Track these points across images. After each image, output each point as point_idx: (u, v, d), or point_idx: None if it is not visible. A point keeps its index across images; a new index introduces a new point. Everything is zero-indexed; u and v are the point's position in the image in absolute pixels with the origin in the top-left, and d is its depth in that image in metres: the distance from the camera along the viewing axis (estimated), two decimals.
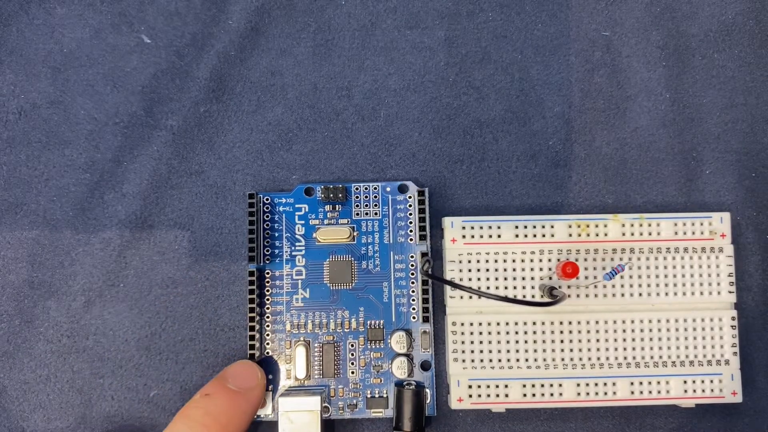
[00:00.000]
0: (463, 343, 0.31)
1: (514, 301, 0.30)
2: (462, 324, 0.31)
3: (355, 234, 0.32)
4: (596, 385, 0.31)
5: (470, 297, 0.31)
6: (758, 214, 0.33)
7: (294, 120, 0.33)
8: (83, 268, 0.32)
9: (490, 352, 0.31)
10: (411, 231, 0.32)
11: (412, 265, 0.32)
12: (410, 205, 0.32)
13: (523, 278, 0.31)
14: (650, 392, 0.31)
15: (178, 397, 0.32)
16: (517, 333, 0.31)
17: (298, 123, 0.33)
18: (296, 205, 0.32)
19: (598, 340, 0.31)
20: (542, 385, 0.31)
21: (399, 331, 0.31)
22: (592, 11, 0.34)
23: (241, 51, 0.33)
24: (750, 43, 0.34)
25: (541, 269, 0.31)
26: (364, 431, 0.32)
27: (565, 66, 0.34)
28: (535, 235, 0.31)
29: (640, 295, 0.31)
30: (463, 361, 0.31)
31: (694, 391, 0.31)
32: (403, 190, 0.32)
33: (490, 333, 0.31)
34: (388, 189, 0.32)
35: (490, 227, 0.31)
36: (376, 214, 0.32)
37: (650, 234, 0.31)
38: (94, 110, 0.33)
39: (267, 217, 0.32)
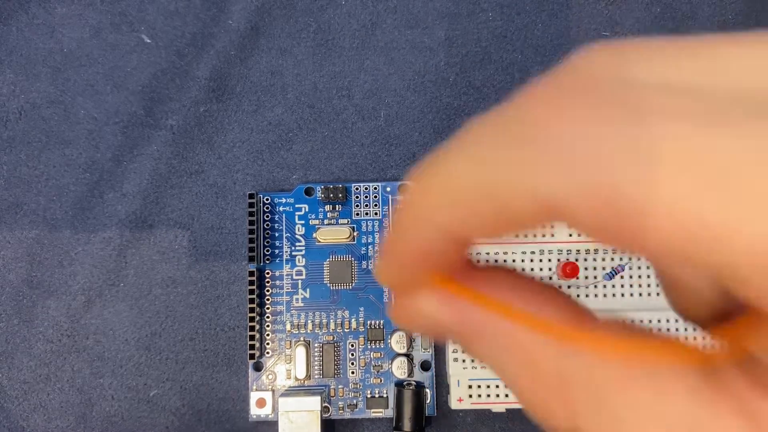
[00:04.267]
0: None
1: None
2: None
3: (355, 234, 0.32)
4: None
5: None
6: None
7: (294, 120, 0.33)
8: (83, 268, 0.32)
9: None
10: None
11: None
12: None
13: None
14: None
15: (178, 397, 0.32)
16: None
17: (298, 123, 0.33)
18: (296, 205, 0.32)
19: None
20: None
21: (399, 331, 0.31)
22: (592, 11, 0.34)
23: (241, 51, 0.33)
24: None
25: (541, 269, 0.31)
26: (364, 431, 0.32)
27: None
28: (535, 235, 0.31)
29: (640, 295, 0.31)
30: (463, 360, 0.31)
31: None
32: (403, 190, 0.32)
33: None
34: (388, 189, 0.32)
35: None
36: (376, 214, 0.32)
37: None
38: (94, 110, 0.33)
39: (267, 217, 0.32)
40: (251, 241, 0.31)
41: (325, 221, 0.32)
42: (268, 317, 0.32)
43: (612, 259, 0.31)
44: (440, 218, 0.12)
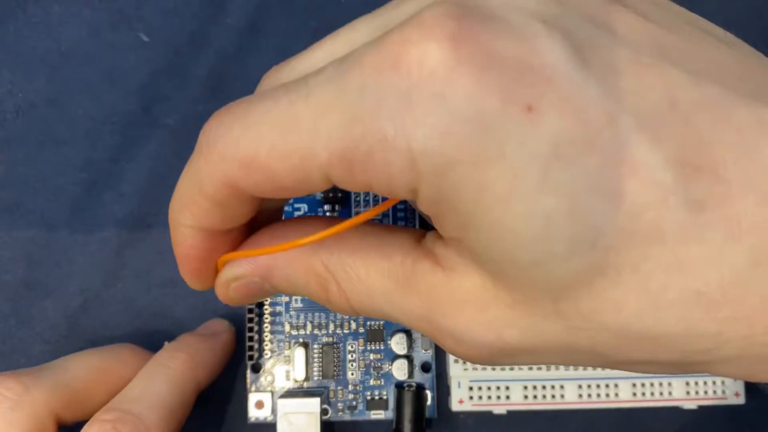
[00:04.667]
0: None
1: None
2: None
3: None
4: (598, 386, 0.30)
5: None
6: None
7: None
8: (80, 268, 0.32)
9: None
10: (411, 223, 0.32)
11: None
12: (410, 206, 0.32)
13: None
14: (652, 394, 0.31)
15: None
16: None
17: None
18: (295, 205, 0.32)
19: None
20: (543, 387, 0.30)
21: (399, 332, 0.31)
22: None
23: (240, 49, 0.33)
24: (752, 42, 0.34)
25: None
26: None
27: None
28: None
29: None
30: (464, 362, 0.30)
31: (697, 392, 0.31)
32: None
33: None
34: None
35: None
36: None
37: None
38: (91, 109, 0.33)
39: None
40: None
41: None
42: (266, 318, 0.32)
43: None
44: (178, 222, 0.19)
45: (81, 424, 0.25)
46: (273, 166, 0.15)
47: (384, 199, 0.16)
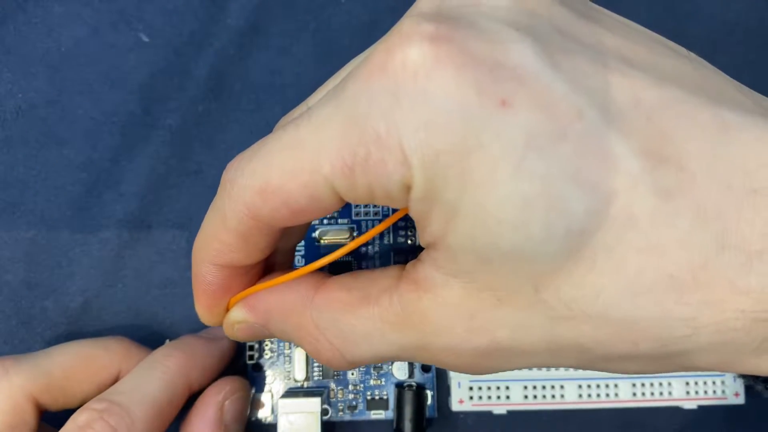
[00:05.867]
0: None
1: None
2: None
3: (355, 234, 0.32)
4: (598, 386, 0.30)
5: None
6: None
7: None
8: (81, 269, 0.32)
9: None
10: (411, 231, 0.32)
11: None
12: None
13: None
14: (652, 394, 0.31)
15: None
16: None
17: None
18: None
19: None
20: (543, 387, 0.30)
21: None
22: None
23: (240, 49, 0.33)
24: (753, 42, 0.34)
25: None
26: None
27: None
28: None
29: None
30: None
31: (696, 392, 0.31)
32: None
33: None
34: None
35: None
36: (376, 214, 0.32)
37: None
38: (91, 109, 0.33)
39: None
40: None
41: (325, 221, 0.32)
42: None
43: None
44: (202, 258, 0.20)
45: (69, 412, 0.25)
46: (286, 187, 0.16)
47: (364, 231, 0.17)
